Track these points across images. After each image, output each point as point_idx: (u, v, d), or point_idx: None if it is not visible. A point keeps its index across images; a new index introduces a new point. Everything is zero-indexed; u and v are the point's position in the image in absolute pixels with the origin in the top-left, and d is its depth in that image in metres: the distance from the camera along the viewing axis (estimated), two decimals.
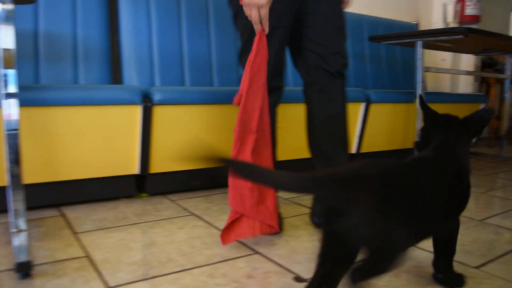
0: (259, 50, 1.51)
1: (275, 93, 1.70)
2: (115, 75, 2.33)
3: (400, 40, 2.76)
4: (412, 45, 2.80)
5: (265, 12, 1.46)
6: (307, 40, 1.70)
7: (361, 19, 3.50)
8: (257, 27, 1.49)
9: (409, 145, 3.09)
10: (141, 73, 2.38)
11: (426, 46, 2.81)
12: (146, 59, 2.41)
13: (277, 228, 1.53)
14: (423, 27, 4.19)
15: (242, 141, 1.50)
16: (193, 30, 2.56)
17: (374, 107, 2.77)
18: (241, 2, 1.49)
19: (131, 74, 2.36)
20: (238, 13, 1.67)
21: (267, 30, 1.51)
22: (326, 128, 1.71)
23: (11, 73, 1.34)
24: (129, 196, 2.11)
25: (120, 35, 2.36)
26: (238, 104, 1.50)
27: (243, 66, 1.71)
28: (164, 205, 1.99)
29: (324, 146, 1.71)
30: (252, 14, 1.46)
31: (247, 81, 1.50)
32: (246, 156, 1.50)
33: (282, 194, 2.18)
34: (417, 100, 2.72)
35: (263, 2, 1.44)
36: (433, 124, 1.26)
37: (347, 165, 0.90)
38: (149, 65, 2.41)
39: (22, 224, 1.34)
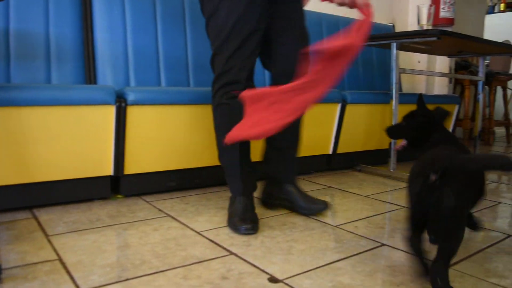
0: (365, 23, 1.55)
1: None
2: (89, 74, 2.30)
3: (375, 41, 2.78)
4: (388, 47, 2.82)
5: None
6: (278, 44, 1.77)
7: (337, 21, 3.52)
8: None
9: (385, 145, 3.12)
10: (115, 73, 2.35)
11: (401, 48, 2.84)
12: (121, 59, 2.38)
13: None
14: (399, 29, 4.24)
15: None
16: (168, 29, 2.54)
17: (350, 108, 2.79)
18: None
19: (105, 74, 2.32)
20: (214, 15, 1.68)
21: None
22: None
23: None
24: (103, 197, 2.08)
25: (94, 34, 2.33)
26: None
27: (216, 68, 1.72)
28: (139, 207, 1.97)
29: (280, 142, 1.86)
30: None
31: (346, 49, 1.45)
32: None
33: (258, 195, 2.17)
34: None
35: None
36: (428, 119, 1.50)
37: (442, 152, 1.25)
38: (124, 64, 2.38)
39: None
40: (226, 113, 1.71)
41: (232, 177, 1.78)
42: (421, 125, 1.50)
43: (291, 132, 1.85)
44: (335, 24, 3.60)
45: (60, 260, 1.36)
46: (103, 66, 2.32)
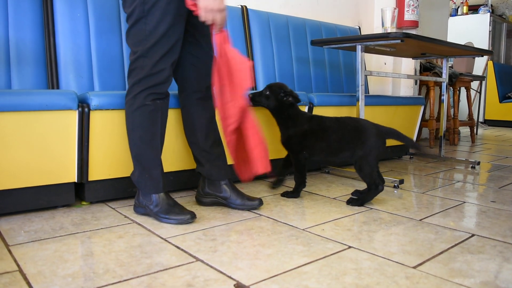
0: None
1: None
2: (51, 80, 2.24)
3: (340, 44, 2.80)
4: (354, 49, 2.85)
5: (224, 16, 1.73)
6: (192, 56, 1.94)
7: (304, 23, 3.54)
8: (220, 28, 1.77)
9: None
10: (79, 77, 2.30)
11: (366, 50, 2.87)
12: (85, 63, 2.33)
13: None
14: (365, 31, 4.29)
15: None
16: None
17: (317, 110, 2.80)
18: (194, 8, 1.70)
19: (68, 79, 2.27)
20: (142, 19, 1.74)
21: (218, 31, 1.78)
22: (204, 129, 2.01)
23: None
24: (67, 204, 2.03)
25: (56, 38, 2.28)
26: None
27: (140, 70, 1.77)
28: (104, 214, 1.93)
29: (212, 148, 2.03)
30: (218, 18, 1.71)
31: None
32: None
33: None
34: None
35: (223, 6, 1.71)
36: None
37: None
38: (88, 69, 2.34)
39: None
40: (149, 114, 1.79)
41: (151, 176, 1.83)
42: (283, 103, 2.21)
43: (218, 140, 2.06)
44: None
45: (20, 271, 1.32)
46: (66, 70, 2.27)
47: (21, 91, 1.90)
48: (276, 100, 2.20)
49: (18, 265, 1.36)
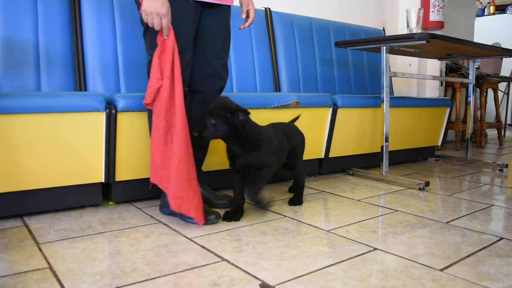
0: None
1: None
2: (79, 82, 2.29)
3: (365, 45, 2.78)
4: (378, 51, 2.83)
5: (166, 21, 1.65)
6: (200, 55, 1.91)
7: (328, 25, 3.53)
8: (165, 32, 1.68)
9: (377, 148, 3.12)
10: (106, 80, 2.34)
11: (391, 51, 2.85)
12: (111, 66, 2.37)
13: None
14: (389, 32, 4.25)
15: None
16: None
17: (341, 112, 2.79)
18: (140, 11, 1.65)
19: (95, 81, 2.32)
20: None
21: (166, 36, 1.69)
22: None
23: None
24: (95, 204, 2.07)
25: (84, 41, 2.32)
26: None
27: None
28: (131, 213, 1.96)
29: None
30: (155, 22, 1.64)
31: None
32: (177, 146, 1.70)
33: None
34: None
35: (164, 11, 1.63)
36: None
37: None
38: (114, 71, 2.37)
39: None
40: None
41: None
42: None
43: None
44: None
45: (51, 268, 1.35)
46: (93, 73, 2.32)
47: (50, 93, 1.95)
48: (226, 124, 1.74)
49: (48, 263, 1.39)
